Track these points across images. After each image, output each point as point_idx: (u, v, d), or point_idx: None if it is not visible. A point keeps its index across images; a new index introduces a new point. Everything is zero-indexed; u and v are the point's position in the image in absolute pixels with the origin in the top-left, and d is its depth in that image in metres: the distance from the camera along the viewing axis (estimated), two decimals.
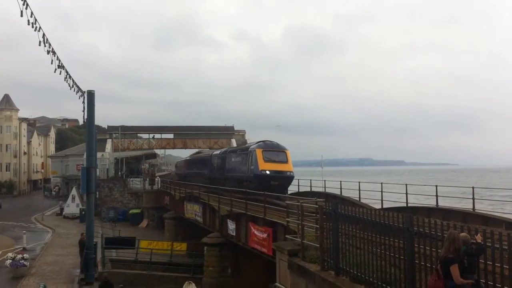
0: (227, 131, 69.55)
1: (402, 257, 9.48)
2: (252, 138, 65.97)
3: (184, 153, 72.84)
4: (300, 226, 14.81)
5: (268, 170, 29.92)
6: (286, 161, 31.14)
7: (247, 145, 35.66)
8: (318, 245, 13.03)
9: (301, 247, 14.34)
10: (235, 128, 70.70)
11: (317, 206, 13.75)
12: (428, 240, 8.86)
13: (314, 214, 14.62)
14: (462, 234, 7.78)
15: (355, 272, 11.10)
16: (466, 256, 7.58)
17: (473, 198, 20.42)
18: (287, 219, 17.90)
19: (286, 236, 17.29)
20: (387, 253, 10.03)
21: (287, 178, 30.77)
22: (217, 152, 43.35)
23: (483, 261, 7.83)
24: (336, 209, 12.11)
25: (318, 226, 13.37)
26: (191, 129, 69.21)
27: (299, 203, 15.40)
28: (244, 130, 71.72)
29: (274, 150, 31.61)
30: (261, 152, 30.86)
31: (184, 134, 68.10)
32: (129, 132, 67.08)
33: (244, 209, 24.21)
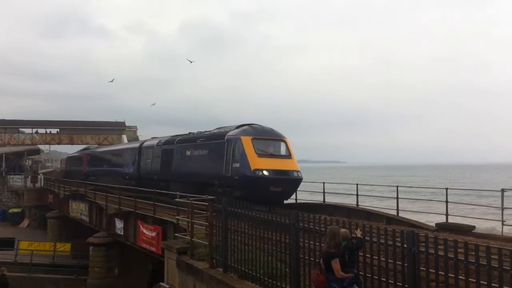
0: (118, 127, 67.41)
1: (288, 252, 9.69)
2: (144, 134, 64.52)
3: (71, 149, 69.47)
4: (190, 224, 14.66)
5: (266, 170, 20.21)
6: (289, 156, 21.58)
7: (216, 130, 24.44)
8: (208, 243, 12.97)
9: (190, 245, 14.19)
10: (127, 124, 68.81)
11: (207, 203, 13.67)
12: (313, 235, 9.15)
13: (204, 212, 14.55)
14: (342, 229, 8.09)
15: (243, 269, 11.16)
16: (347, 250, 7.89)
17: (357, 195, 21.66)
18: (177, 217, 17.64)
19: (176, 234, 17.05)
20: (274, 248, 10.23)
21: (293, 182, 21.24)
22: (153, 142, 31.02)
23: (362, 254, 8.21)
24: (226, 207, 12.11)
25: (208, 223, 13.30)
26: (78, 124, 66.19)
27: (189, 201, 15.24)
28: (136, 126, 70.12)
29: (268, 139, 21.74)
30: (251, 141, 20.76)
31: (71, 129, 65.02)
32: (9, 126, 62.86)
33: (133, 207, 23.53)
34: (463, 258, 6.64)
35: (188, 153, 25.26)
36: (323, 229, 8.66)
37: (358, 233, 8.05)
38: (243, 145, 20.62)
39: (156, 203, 21.45)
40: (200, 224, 14.87)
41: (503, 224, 16.21)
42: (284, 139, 21.96)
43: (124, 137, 63.71)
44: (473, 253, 6.55)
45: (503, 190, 16.47)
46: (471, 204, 23.18)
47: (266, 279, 10.23)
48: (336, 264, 7.63)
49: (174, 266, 14.82)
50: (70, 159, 59.86)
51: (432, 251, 7.08)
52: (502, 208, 16.30)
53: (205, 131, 25.45)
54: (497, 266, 6.23)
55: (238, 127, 22.23)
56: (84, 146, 61.84)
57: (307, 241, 9.27)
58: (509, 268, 6.09)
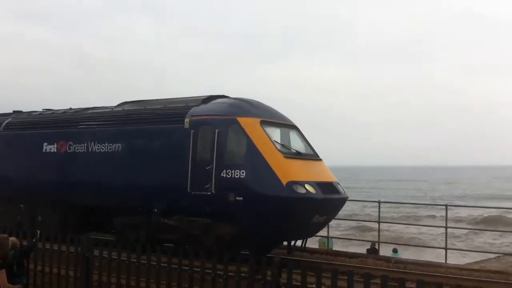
0: None
1: None
2: None
3: None
4: None
5: (308, 183, 10.90)
6: (316, 156, 12.40)
7: (137, 107, 13.53)
8: None
9: None
10: None
11: None
12: None
13: None
14: (12, 238, 7.55)
15: None
16: (15, 259, 7.38)
17: None
18: None
19: None
20: None
21: (341, 204, 12.25)
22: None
23: (33, 262, 7.84)
24: None
25: None
26: None
27: None
28: None
29: (280, 123, 12.30)
30: (260, 126, 11.41)
31: None
32: None
33: None
34: (135, 260, 7.00)
35: (68, 148, 13.62)
36: None
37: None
38: (248, 135, 11.09)
39: None
40: None
41: None
42: (296, 126, 12.87)
43: None
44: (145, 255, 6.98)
45: None
46: None
47: None
48: (2, 276, 7.07)
49: None
50: None
51: (106, 255, 7.24)
52: None
53: (103, 108, 14.35)
54: (176, 266, 6.76)
55: (206, 99, 12.21)
56: None
57: None
58: (188, 268, 6.64)
